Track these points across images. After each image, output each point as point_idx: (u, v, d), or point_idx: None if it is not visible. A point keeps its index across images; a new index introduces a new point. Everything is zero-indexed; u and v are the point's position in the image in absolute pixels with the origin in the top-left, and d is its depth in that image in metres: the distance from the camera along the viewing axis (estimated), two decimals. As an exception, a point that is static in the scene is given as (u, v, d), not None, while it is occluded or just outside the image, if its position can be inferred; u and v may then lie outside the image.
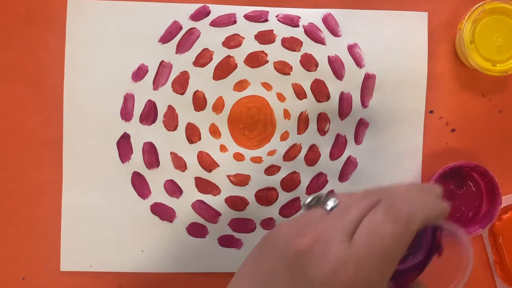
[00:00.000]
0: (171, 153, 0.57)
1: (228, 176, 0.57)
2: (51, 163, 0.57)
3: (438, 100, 0.58)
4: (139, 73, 0.57)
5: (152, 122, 0.57)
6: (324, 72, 0.57)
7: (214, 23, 0.57)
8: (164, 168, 0.57)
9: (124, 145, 0.57)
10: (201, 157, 0.57)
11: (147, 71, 0.57)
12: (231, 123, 0.57)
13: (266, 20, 0.57)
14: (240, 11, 0.57)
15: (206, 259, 0.57)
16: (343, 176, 0.58)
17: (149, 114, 0.57)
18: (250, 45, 0.57)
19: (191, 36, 0.57)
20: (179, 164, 0.57)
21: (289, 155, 0.58)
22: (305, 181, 0.58)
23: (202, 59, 0.57)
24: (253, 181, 0.57)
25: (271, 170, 0.58)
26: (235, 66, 0.57)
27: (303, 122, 0.58)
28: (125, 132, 0.57)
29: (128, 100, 0.57)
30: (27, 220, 0.57)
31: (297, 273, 0.34)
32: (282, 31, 0.57)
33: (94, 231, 0.57)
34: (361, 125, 0.58)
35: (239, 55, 0.57)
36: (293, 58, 0.57)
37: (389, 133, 0.58)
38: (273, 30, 0.57)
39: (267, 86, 0.57)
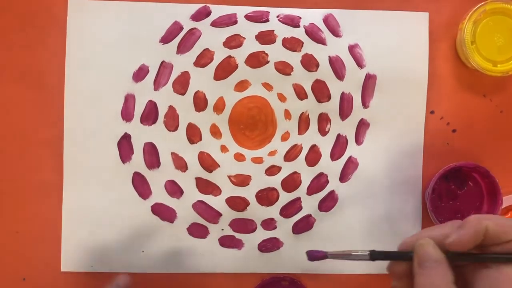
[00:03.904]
0: (172, 153, 0.57)
1: (229, 177, 0.57)
2: (52, 163, 0.57)
3: (439, 101, 0.58)
4: (139, 74, 0.57)
5: (153, 122, 0.57)
6: (325, 72, 0.57)
7: (215, 24, 0.57)
8: (164, 168, 0.57)
9: (124, 146, 0.57)
10: (202, 157, 0.57)
11: (148, 71, 0.57)
12: (232, 124, 0.57)
13: (267, 21, 0.57)
14: (241, 11, 0.57)
15: (206, 260, 0.57)
16: (344, 176, 0.58)
17: (150, 115, 0.57)
18: (250, 46, 0.57)
19: (192, 37, 0.57)
20: (180, 164, 0.57)
21: (290, 155, 0.58)
22: (305, 181, 0.58)
23: (203, 60, 0.57)
24: (253, 182, 0.57)
25: (272, 170, 0.58)
26: (236, 67, 0.57)
27: (304, 123, 0.58)
28: (125, 133, 0.57)
29: (129, 100, 0.57)
30: (27, 221, 0.57)
31: None
32: (283, 31, 0.57)
33: (94, 232, 0.57)
34: (362, 126, 0.58)
35: (239, 55, 0.57)
36: (294, 59, 0.57)
37: (390, 133, 0.58)
38: (273, 30, 0.57)
39: (267, 86, 0.57)
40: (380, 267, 0.58)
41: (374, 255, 0.41)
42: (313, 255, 0.45)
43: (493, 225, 0.37)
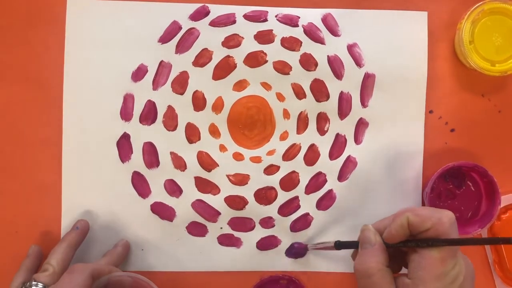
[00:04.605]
0: (171, 153, 0.57)
1: (228, 176, 0.58)
2: (51, 163, 0.57)
3: (437, 100, 0.58)
4: (138, 73, 0.57)
5: (152, 122, 0.57)
6: (323, 71, 0.57)
7: (213, 23, 0.57)
8: (164, 167, 0.57)
9: (124, 145, 0.57)
10: (201, 156, 0.57)
11: (147, 71, 0.57)
12: (231, 123, 0.57)
13: (266, 20, 0.57)
14: (240, 11, 0.57)
15: (205, 258, 0.58)
16: (343, 175, 0.58)
17: (149, 114, 0.57)
18: (249, 45, 0.57)
19: (191, 36, 0.57)
20: (179, 163, 0.57)
21: (289, 154, 0.58)
22: (304, 180, 0.58)
23: (202, 59, 0.57)
24: (252, 181, 0.58)
25: (271, 169, 0.58)
26: (235, 66, 0.57)
27: (302, 122, 0.58)
28: (125, 132, 0.57)
29: (128, 100, 0.57)
30: (27, 220, 0.57)
31: None
32: (282, 31, 0.57)
33: (94, 231, 0.57)
34: (361, 125, 0.58)
35: (238, 55, 0.57)
36: (292, 58, 0.57)
37: (389, 132, 0.58)
38: (272, 30, 0.57)
39: (266, 86, 0.57)
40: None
41: (338, 245, 0.50)
42: (294, 249, 0.57)
43: (413, 217, 0.43)
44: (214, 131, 0.57)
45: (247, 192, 0.58)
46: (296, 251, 0.57)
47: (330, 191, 0.58)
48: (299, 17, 0.57)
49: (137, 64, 0.57)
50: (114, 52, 0.57)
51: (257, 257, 0.58)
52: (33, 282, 0.49)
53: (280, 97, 0.57)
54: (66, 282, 0.47)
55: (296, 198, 0.58)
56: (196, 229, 0.58)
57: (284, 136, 0.58)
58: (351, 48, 0.58)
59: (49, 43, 0.57)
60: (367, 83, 0.58)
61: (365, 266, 0.43)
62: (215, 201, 0.58)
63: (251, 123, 0.58)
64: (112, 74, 0.57)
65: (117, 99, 0.57)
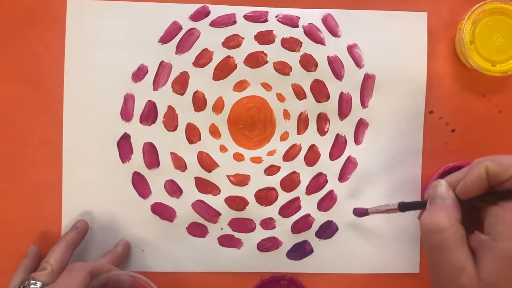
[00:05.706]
0: (171, 153, 0.57)
1: (228, 176, 0.58)
2: (51, 163, 0.57)
3: (438, 100, 0.58)
4: (139, 74, 0.57)
5: (152, 122, 0.57)
6: (323, 72, 0.57)
7: (213, 24, 0.57)
8: (164, 168, 0.57)
9: (124, 145, 0.57)
10: (201, 157, 0.57)
11: (147, 71, 0.57)
12: (231, 123, 0.57)
13: (266, 21, 0.57)
14: (240, 11, 0.57)
15: (206, 259, 0.58)
16: (343, 176, 0.58)
17: (149, 115, 0.57)
18: (249, 46, 0.57)
19: (191, 37, 0.57)
20: (179, 164, 0.57)
21: (289, 155, 0.58)
22: (304, 181, 0.58)
23: (202, 60, 0.57)
24: (252, 181, 0.58)
25: (271, 170, 0.58)
26: (235, 67, 0.57)
27: (302, 122, 0.58)
28: (125, 133, 0.57)
29: (128, 100, 0.57)
30: (26, 220, 0.57)
31: None
32: (282, 31, 0.57)
33: (94, 231, 0.57)
34: (361, 125, 0.58)
35: (238, 55, 0.57)
36: (292, 59, 0.57)
37: (389, 133, 0.58)
38: (272, 30, 0.57)
39: (266, 86, 0.57)
40: (379, 267, 0.59)
41: (402, 207, 0.47)
42: (357, 211, 0.57)
43: (493, 165, 0.38)
44: (214, 131, 0.57)
45: (248, 192, 0.58)
46: (357, 214, 0.57)
47: (331, 192, 0.58)
48: (299, 18, 0.57)
49: (137, 65, 0.57)
50: (114, 52, 0.57)
51: (258, 258, 0.58)
52: (31, 281, 0.49)
53: (281, 98, 0.57)
54: (65, 280, 0.47)
55: (297, 198, 0.58)
56: (197, 230, 0.58)
57: (284, 137, 0.58)
58: (351, 49, 0.58)
59: (49, 43, 0.57)
60: (367, 83, 0.58)
61: (434, 220, 0.39)
62: (216, 201, 0.58)
63: (251, 123, 0.58)
64: (113, 74, 0.57)
65: (117, 100, 0.57)
